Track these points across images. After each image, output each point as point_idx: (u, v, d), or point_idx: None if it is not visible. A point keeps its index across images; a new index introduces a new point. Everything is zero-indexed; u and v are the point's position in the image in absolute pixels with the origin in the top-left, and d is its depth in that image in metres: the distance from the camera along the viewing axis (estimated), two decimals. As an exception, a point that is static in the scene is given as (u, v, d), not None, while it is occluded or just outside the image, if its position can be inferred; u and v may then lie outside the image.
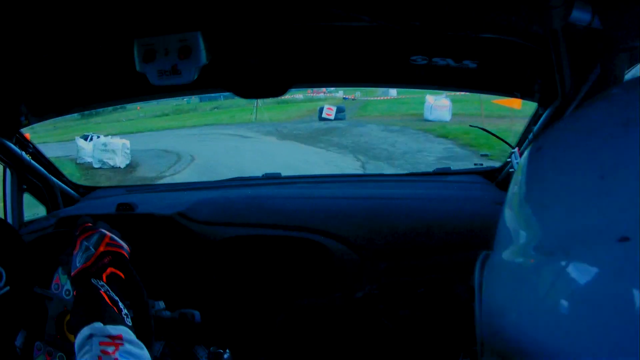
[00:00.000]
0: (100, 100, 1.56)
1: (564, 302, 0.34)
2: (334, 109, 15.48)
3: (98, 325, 0.73)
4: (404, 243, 1.45)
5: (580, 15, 0.89)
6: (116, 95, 1.53)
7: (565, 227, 0.37)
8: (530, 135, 1.45)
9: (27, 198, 1.62)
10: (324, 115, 15.26)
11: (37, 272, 1.07)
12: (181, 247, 1.46)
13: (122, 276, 0.88)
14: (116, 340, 0.72)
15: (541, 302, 0.36)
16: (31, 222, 1.60)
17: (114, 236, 0.91)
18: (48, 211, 1.66)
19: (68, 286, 0.98)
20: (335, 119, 15.01)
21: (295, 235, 1.47)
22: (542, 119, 1.37)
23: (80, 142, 11.45)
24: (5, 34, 0.99)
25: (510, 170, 1.56)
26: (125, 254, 0.91)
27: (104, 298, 0.80)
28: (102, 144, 10.88)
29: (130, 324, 0.80)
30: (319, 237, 1.46)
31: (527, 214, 0.42)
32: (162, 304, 1.32)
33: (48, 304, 1.05)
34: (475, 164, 1.86)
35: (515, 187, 0.47)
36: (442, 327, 1.52)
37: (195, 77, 1.08)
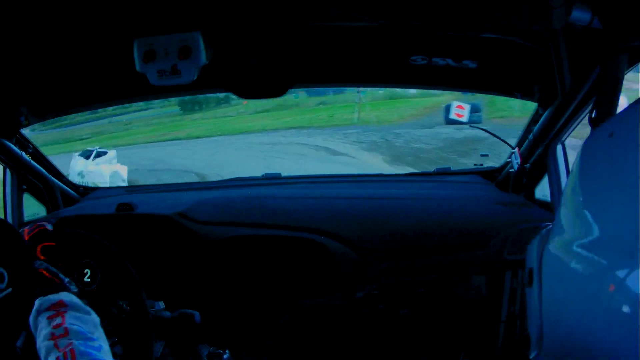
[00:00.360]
0: (100, 100, 1.56)
1: (628, 307, 0.33)
2: (467, 107, 10.11)
3: (40, 300, 0.77)
4: (404, 243, 1.45)
5: (580, 15, 0.89)
6: (116, 95, 1.53)
7: (637, 228, 0.34)
8: (530, 136, 1.45)
9: (27, 198, 1.62)
10: (452, 115, 10.16)
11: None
12: (181, 247, 1.46)
13: (54, 244, 0.96)
14: (60, 308, 0.75)
15: (605, 303, 0.35)
16: (31, 222, 1.60)
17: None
18: (48, 211, 1.66)
19: None
20: (470, 121, 9.29)
21: (295, 235, 1.47)
22: (542, 118, 1.37)
23: (76, 161, 7.76)
24: (5, 34, 0.99)
25: (510, 170, 1.56)
26: (45, 228, 0.99)
27: (42, 274, 0.84)
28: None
29: (76, 290, 0.86)
30: (319, 237, 1.46)
31: (596, 206, 0.39)
32: (162, 304, 1.32)
33: None
34: (475, 164, 1.85)
35: (578, 176, 0.43)
36: (442, 327, 1.52)
37: (195, 77, 1.08)
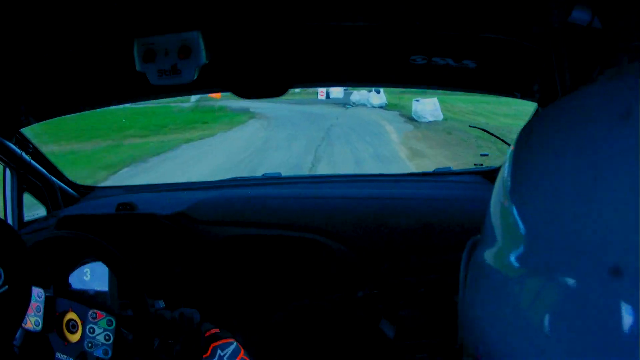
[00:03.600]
0: (100, 100, 1.56)
1: (543, 323, 0.31)
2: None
3: None
4: (404, 243, 1.45)
5: (580, 16, 0.89)
6: (116, 95, 1.53)
7: (551, 240, 0.32)
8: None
9: (27, 198, 1.62)
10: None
11: (39, 272, 1.08)
12: (181, 247, 1.47)
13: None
14: None
15: (519, 317, 0.33)
16: (31, 222, 1.60)
17: (246, 352, 0.94)
18: (48, 211, 1.66)
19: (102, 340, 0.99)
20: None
21: (295, 235, 1.47)
22: None
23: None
24: (5, 34, 0.99)
25: None
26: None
27: None
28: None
29: None
30: (319, 237, 1.46)
31: (512, 213, 0.37)
32: (162, 304, 1.32)
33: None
34: (475, 164, 1.85)
35: (501, 178, 0.41)
36: (442, 327, 1.52)
37: (195, 77, 1.08)
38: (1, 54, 1.08)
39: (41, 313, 1.03)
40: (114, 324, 1.07)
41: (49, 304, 1.05)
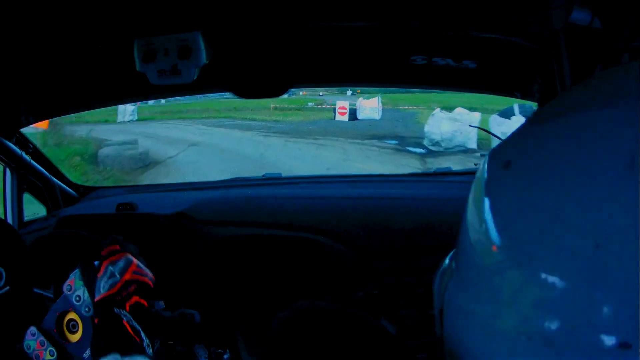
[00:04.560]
0: (100, 99, 1.56)
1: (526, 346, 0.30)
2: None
3: (116, 356, 0.76)
4: (404, 243, 1.45)
5: (580, 16, 0.89)
6: (116, 95, 1.53)
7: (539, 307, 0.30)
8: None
9: (27, 198, 1.62)
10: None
11: (39, 272, 1.07)
12: (181, 246, 1.47)
13: (146, 304, 0.91)
14: None
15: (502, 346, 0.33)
16: (31, 222, 1.60)
17: (140, 264, 0.92)
18: (48, 211, 1.66)
19: (81, 293, 0.98)
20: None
21: (295, 235, 1.47)
22: None
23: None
24: (5, 34, 0.99)
25: None
26: (150, 283, 0.93)
27: (125, 328, 0.82)
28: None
29: (152, 354, 0.83)
30: (319, 237, 1.46)
31: (489, 263, 0.35)
32: (162, 304, 1.32)
33: (49, 303, 1.05)
34: (475, 164, 1.85)
35: (474, 212, 0.38)
36: None
37: (195, 77, 1.08)
38: (1, 54, 1.08)
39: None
40: None
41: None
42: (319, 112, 13.67)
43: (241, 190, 1.73)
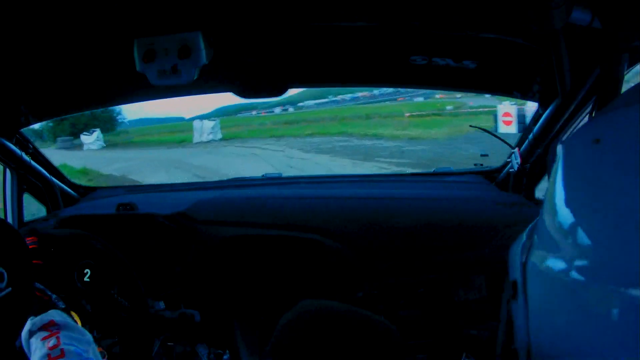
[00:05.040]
0: (100, 100, 1.56)
1: (611, 332, 0.32)
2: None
3: (31, 320, 0.77)
4: (404, 243, 1.45)
5: (580, 16, 0.89)
6: (116, 96, 1.53)
7: (623, 258, 0.31)
8: (530, 136, 1.45)
9: (27, 198, 1.62)
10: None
11: (40, 273, 1.07)
12: (181, 247, 1.46)
13: (41, 263, 0.97)
14: (53, 328, 0.76)
15: (590, 325, 0.34)
16: (31, 222, 1.60)
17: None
18: (48, 211, 1.66)
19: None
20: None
21: (295, 235, 1.47)
22: (542, 118, 1.37)
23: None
24: (5, 34, 0.99)
25: (510, 170, 1.56)
26: (35, 245, 0.99)
27: (33, 293, 0.83)
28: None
29: (64, 306, 0.86)
30: (319, 237, 1.46)
31: (577, 222, 0.37)
32: (162, 304, 1.32)
33: (48, 303, 1.05)
34: (475, 164, 1.85)
35: (559, 186, 0.40)
36: (442, 327, 1.52)
37: (195, 77, 1.08)
38: (1, 54, 1.08)
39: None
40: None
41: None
42: (466, 118, 9.98)
43: (241, 191, 1.73)
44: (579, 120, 1.30)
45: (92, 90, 1.46)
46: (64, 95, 1.45)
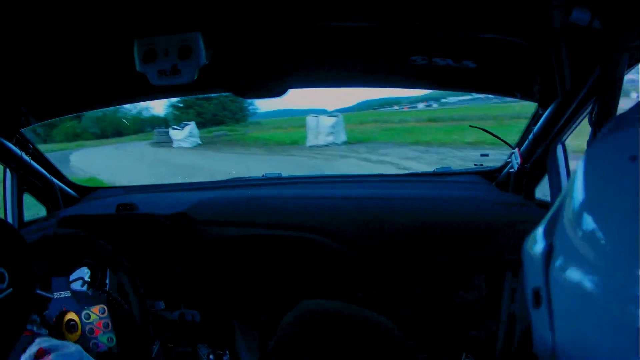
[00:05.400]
0: (100, 100, 1.56)
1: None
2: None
3: (22, 357, 0.80)
4: (404, 243, 1.45)
5: (580, 16, 0.89)
6: (116, 96, 1.53)
7: None
8: (531, 136, 1.45)
9: (27, 198, 1.62)
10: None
11: (41, 273, 1.07)
12: (181, 247, 1.47)
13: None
14: (43, 356, 0.80)
15: (617, 340, 0.34)
16: (31, 222, 1.60)
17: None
18: (48, 211, 1.66)
19: None
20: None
21: (295, 235, 1.47)
22: (542, 118, 1.37)
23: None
24: (5, 34, 0.99)
25: (510, 170, 1.56)
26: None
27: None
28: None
29: (46, 331, 0.93)
30: (319, 237, 1.46)
31: (608, 240, 0.36)
32: (162, 304, 1.32)
33: (49, 304, 1.05)
34: (475, 164, 1.85)
35: (592, 197, 0.39)
36: (442, 327, 1.52)
37: (195, 77, 1.08)
38: (1, 54, 1.08)
39: (110, 328, 1.07)
40: (110, 327, 1.07)
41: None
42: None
43: (241, 191, 1.73)
44: (579, 121, 1.30)
45: (92, 91, 1.46)
46: (64, 95, 1.45)
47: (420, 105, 16.04)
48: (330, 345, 0.89)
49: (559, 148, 1.41)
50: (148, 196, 1.75)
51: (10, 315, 0.67)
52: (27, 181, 1.59)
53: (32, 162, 1.55)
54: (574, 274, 0.39)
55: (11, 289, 0.65)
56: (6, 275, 0.65)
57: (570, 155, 1.42)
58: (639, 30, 0.90)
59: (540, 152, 1.44)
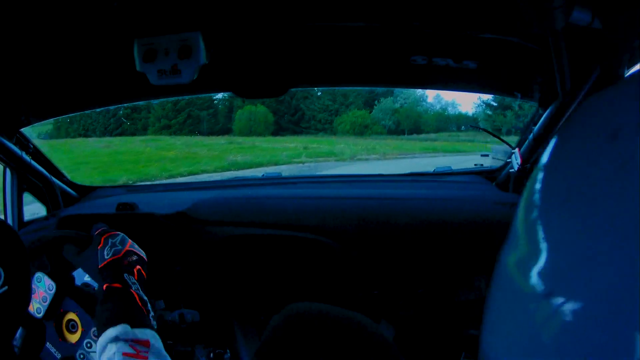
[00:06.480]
0: (100, 100, 1.56)
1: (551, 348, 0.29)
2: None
3: (126, 327, 0.72)
4: (404, 243, 1.45)
5: (580, 16, 0.89)
6: (116, 96, 1.53)
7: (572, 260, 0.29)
8: (530, 136, 1.45)
9: (27, 198, 1.62)
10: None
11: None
12: (181, 246, 1.47)
13: (146, 277, 0.88)
14: (142, 349, 0.70)
15: (528, 338, 0.31)
16: (31, 222, 1.60)
17: (134, 243, 0.94)
18: (48, 211, 1.66)
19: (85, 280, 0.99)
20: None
21: (295, 234, 1.47)
22: (542, 118, 1.37)
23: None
24: (5, 34, 0.99)
25: (510, 170, 1.56)
26: (145, 259, 0.92)
27: (134, 297, 0.78)
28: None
29: (156, 327, 0.79)
30: (319, 237, 1.46)
31: (535, 221, 0.34)
32: (162, 304, 1.32)
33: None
34: (475, 164, 1.85)
35: (534, 188, 0.37)
36: (442, 327, 1.52)
37: (195, 77, 1.08)
38: (1, 54, 1.08)
39: (47, 304, 1.02)
40: (48, 301, 1.05)
41: (56, 299, 1.04)
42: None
43: (241, 190, 1.73)
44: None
45: (92, 90, 1.46)
46: (64, 95, 1.45)
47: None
48: (316, 346, 0.89)
49: (559, 148, 1.41)
50: (148, 196, 1.75)
51: (5, 313, 0.67)
52: (27, 181, 1.58)
53: (32, 162, 1.54)
54: (509, 268, 0.37)
55: (7, 286, 0.65)
56: (2, 273, 0.65)
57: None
58: (639, 30, 0.90)
59: (540, 152, 1.44)
